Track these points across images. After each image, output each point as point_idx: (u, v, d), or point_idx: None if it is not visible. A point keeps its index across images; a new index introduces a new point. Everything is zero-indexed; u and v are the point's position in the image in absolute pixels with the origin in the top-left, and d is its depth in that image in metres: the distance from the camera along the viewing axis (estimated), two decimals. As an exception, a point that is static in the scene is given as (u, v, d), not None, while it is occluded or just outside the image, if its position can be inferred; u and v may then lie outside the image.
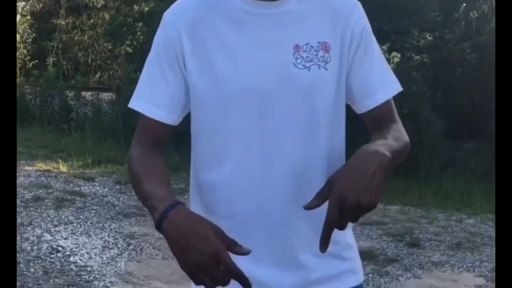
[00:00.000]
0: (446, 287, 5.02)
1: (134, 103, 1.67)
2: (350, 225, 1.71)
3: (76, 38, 16.36)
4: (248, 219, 1.61)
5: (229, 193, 1.62)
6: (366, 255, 5.48)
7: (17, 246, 5.38)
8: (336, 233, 1.64)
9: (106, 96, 12.87)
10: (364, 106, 1.70)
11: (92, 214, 6.50)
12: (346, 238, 1.71)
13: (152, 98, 1.65)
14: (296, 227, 1.62)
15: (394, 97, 1.73)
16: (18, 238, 5.58)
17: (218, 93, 1.60)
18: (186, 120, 1.72)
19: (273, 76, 1.59)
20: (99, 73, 16.23)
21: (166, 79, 1.64)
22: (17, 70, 14.41)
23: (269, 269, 1.62)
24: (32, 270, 4.91)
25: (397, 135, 1.62)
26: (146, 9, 13.99)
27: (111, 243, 5.71)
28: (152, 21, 11.20)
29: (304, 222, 1.61)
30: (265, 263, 1.62)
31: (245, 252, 1.38)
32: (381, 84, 1.69)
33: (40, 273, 4.87)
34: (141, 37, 12.57)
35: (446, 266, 5.60)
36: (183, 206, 1.43)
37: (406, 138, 1.65)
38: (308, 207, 1.46)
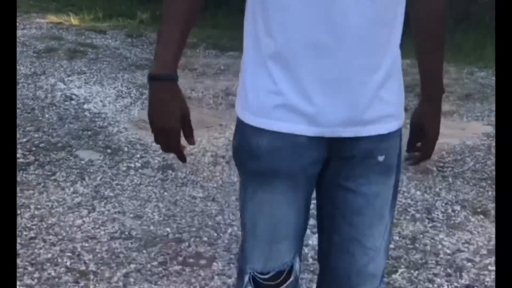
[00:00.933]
0: (453, 135, 5.08)
1: None
2: (399, 71, 1.71)
3: None
4: (300, 49, 1.58)
5: (287, 19, 1.58)
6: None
7: (31, 94, 5.47)
8: (386, 79, 1.64)
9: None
10: None
11: (105, 65, 6.54)
12: (393, 82, 1.69)
13: None
14: (344, 59, 1.58)
15: None
16: (32, 86, 5.66)
17: None
18: None
19: None
20: None
21: None
22: None
23: (311, 102, 1.60)
24: (47, 116, 5.01)
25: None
26: None
27: (124, 93, 5.78)
28: None
29: (349, 53, 1.58)
30: (308, 95, 1.60)
31: (192, 143, 1.66)
32: None
33: (55, 118, 4.98)
34: None
35: (454, 115, 5.65)
36: (173, 84, 1.60)
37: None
38: (411, 164, 1.89)
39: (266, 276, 1.75)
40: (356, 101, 1.62)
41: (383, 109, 1.67)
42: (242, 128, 1.70)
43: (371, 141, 1.67)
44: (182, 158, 1.70)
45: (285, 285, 1.77)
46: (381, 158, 1.70)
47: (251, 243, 1.76)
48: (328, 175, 1.73)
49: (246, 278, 1.78)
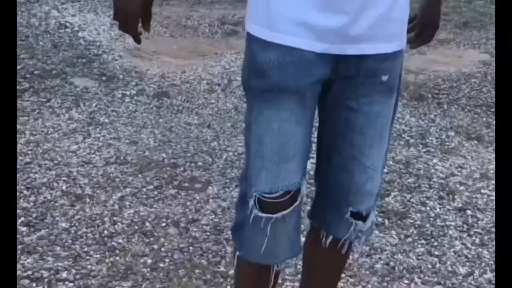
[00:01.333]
0: (450, 62, 5.06)
1: None
2: (407, 7, 1.69)
3: None
4: None
5: None
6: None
7: (25, 21, 5.41)
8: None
9: None
10: None
11: (99, -7, 6.46)
12: (402, 1, 1.66)
13: None
14: None
15: None
16: (25, 14, 5.60)
17: None
18: None
19: None
20: None
21: None
22: None
23: (321, 17, 1.57)
24: (41, 43, 4.97)
25: None
26: None
27: (118, 21, 5.71)
28: None
29: None
30: (320, 10, 1.57)
31: (147, 29, 1.72)
32: None
33: (49, 46, 4.94)
34: None
35: (451, 43, 5.62)
36: None
37: None
38: (412, 47, 2.02)
39: (273, 195, 1.72)
40: (365, 19, 1.60)
41: (390, 28, 1.65)
42: (251, 44, 1.69)
43: (376, 60, 1.66)
44: (137, 40, 1.76)
45: (291, 207, 1.75)
46: (384, 78, 1.69)
47: (257, 166, 1.73)
48: (331, 95, 1.73)
49: (251, 202, 1.75)
